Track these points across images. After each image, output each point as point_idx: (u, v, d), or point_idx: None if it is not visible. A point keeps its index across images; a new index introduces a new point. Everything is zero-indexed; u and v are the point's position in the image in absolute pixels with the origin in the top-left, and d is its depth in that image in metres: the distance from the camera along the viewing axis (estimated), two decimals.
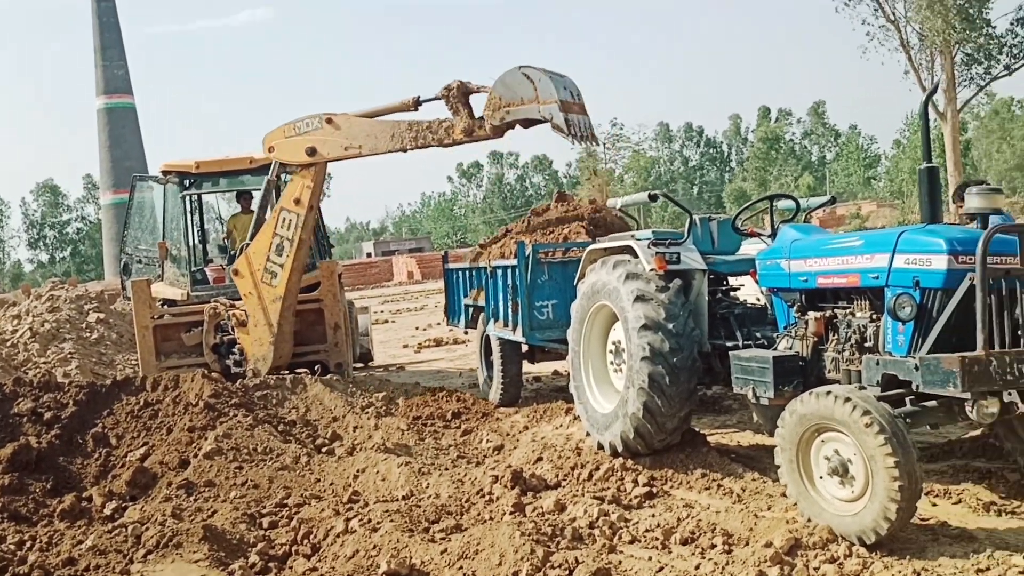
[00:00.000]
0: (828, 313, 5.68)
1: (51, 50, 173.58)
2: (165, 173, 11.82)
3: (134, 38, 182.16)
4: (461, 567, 4.65)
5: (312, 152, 9.63)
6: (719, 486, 5.95)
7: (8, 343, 15.36)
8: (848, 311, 5.55)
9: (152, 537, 5.36)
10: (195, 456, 6.98)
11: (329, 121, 9.53)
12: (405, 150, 9.12)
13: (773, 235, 6.53)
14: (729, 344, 6.37)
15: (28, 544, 5.60)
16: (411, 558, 4.84)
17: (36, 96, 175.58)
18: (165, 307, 11.10)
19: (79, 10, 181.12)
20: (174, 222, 11.72)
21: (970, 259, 4.64)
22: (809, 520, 4.79)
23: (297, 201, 9.87)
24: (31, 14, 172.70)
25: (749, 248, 6.99)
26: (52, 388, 8.15)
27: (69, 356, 14.69)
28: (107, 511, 6.17)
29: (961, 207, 6.84)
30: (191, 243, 11.95)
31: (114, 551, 5.34)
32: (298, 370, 10.95)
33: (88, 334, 16.44)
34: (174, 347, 10.70)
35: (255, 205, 12.90)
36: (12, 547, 5.51)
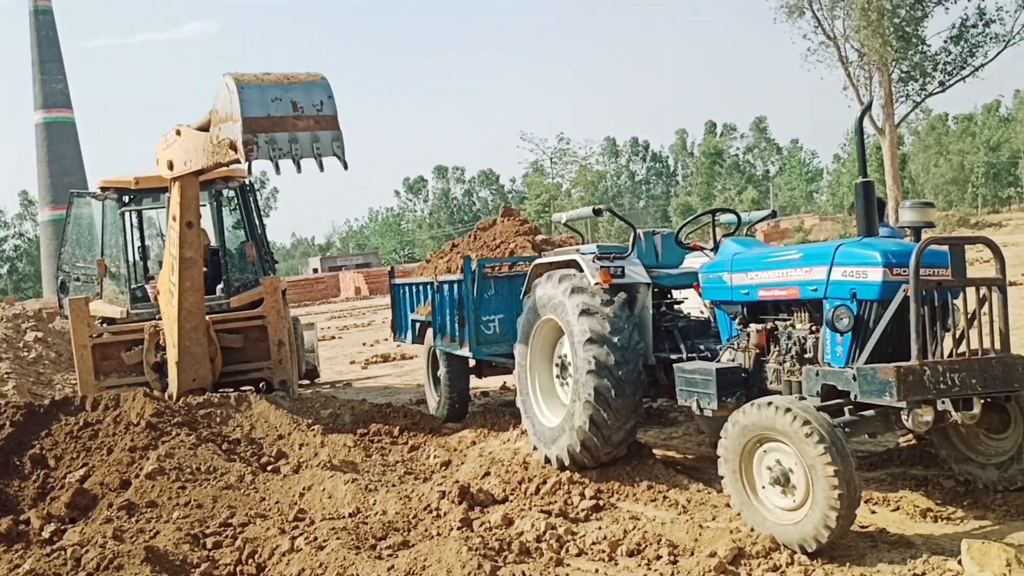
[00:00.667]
0: (769, 325, 5.80)
1: None
2: (104, 189, 11.60)
3: (74, 52, 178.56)
4: None
5: (171, 166, 8.94)
6: (665, 497, 6.01)
7: None
8: (788, 323, 5.67)
9: (92, 560, 5.24)
10: (136, 476, 6.84)
11: (178, 133, 8.69)
12: (216, 167, 8.03)
13: (715, 249, 6.65)
14: (673, 357, 6.45)
15: None
16: (358, 575, 4.81)
17: None
18: (104, 325, 10.88)
19: (16, 23, 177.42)
20: (113, 239, 11.50)
21: (904, 271, 4.78)
22: (752, 529, 4.87)
23: (174, 218, 9.24)
24: None
25: (692, 261, 7.10)
26: None
27: (6, 376, 14.33)
28: (45, 534, 6.02)
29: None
30: (131, 260, 11.74)
31: (53, 575, 5.22)
32: (242, 388, 10.80)
33: (25, 353, 16.07)
34: (114, 366, 10.48)
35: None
36: None
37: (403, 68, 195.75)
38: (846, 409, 5.03)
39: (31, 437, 7.52)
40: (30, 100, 68.27)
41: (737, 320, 6.10)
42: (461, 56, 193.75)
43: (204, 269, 11.58)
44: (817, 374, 5.14)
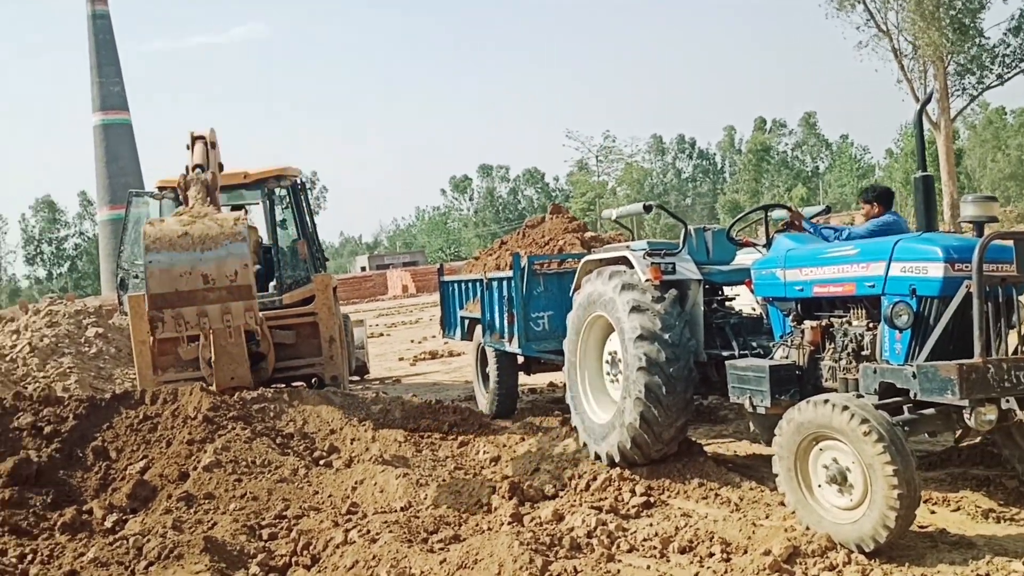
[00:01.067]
0: (824, 322, 5.72)
1: (49, 66, 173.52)
2: (161, 189, 11.81)
3: (130, 55, 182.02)
4: None
5: None
6: (716, 495, 5.97)
7: (7, 358, 15.34)
8: (844, 320, 5.59)
9: (153, 549, 5.37)
10: (194, 469, 6.96)
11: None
12: None
13: (768, 245, 6.57)
14: (725, 354, 6.40)
15: (29, 557, 5.59)
16: (411, 568, 4.85)
17: (37, 112, 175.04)
18: None
19: (75, 27, 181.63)
20: None
21: (966, 267, 4.69)
22: (808, 528, 4.81)
23: None
24: (28, 31, 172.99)
25: (744, 258, 7.03)
26: (52, 402, 8.10)
27: (68, 370, 14.66)
28: (108, 524, 6.16)
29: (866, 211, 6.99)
30: None
31: (116, 563, 5.34)
32: (294, 383, 10.95)
33: (87, 348, 16.43)
34: (171, 361, 10.66)
35: (249, 219, 12.90)
36: (13, 560, 5.51)
37: (447, 66, 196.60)
38: (905, 407, 4.94)
39: (93, 430, 7.68)
40: (88, 102, 69.90)
41: (791, 317, 6.03)
42: (505, 55, 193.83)
43: (257, 266, 11.78)
44: (875, 371, 5.06)
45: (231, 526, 5.93)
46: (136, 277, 11.11)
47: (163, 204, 11.76)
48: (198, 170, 7.12)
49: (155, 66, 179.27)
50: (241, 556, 5.42)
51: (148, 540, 5.54)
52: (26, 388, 12.90)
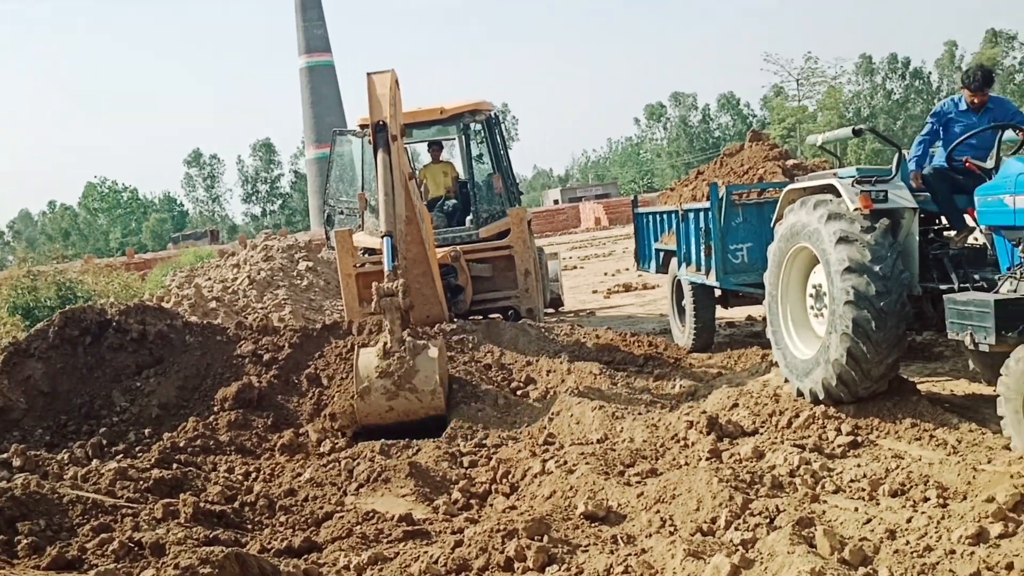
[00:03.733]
0: None
1: (265, 13, 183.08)
2: (362, 127, 12.22)
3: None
4: (658, 511, 4.65)
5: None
6: (931, 437, 5.61)
7: (230, 290, 16.64)
8: None
9: (363, 472, 5.70)
10: None
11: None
12: None
13: (996, 169, 6.01)
14: (943, 287, 5.96)
15: (253, 475, 6.08)
16: (608, 500, 4.89)
17: (267, 60, 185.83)
18: (366, 256, 11.56)
19: None
20: (372, 173, 12.12)
21: None
22: None
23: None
24: None
25: None
26: (269, 331, 8.67)
27: (283, 302, 15.68)
28: (323, 448, 6.58)
29: None
30: None
31: (329, 483, 5.72)
32: (491, 315, 11.21)
33: (299, 281, 17.50)
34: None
35: (445, 155, 13.16)
36: (240, 477, 6.01)
37: None
38: None
39: (306, 358, 8.16)
40: (295, 47, 73.49)
41: (1021, 247, 5.51)
42: None
43: (454, 201, 12.05)
44: None
45: (434, 452, 6.19)
46: (341, 213, 11.63)
47: (364, 141, 12.19)
48: (387, 299, 7.17)
49: (352, 7, 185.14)
50: (444, 482, 5.66)
51: (358, 463, 5.88)
52: (246, 318, 13.95)
